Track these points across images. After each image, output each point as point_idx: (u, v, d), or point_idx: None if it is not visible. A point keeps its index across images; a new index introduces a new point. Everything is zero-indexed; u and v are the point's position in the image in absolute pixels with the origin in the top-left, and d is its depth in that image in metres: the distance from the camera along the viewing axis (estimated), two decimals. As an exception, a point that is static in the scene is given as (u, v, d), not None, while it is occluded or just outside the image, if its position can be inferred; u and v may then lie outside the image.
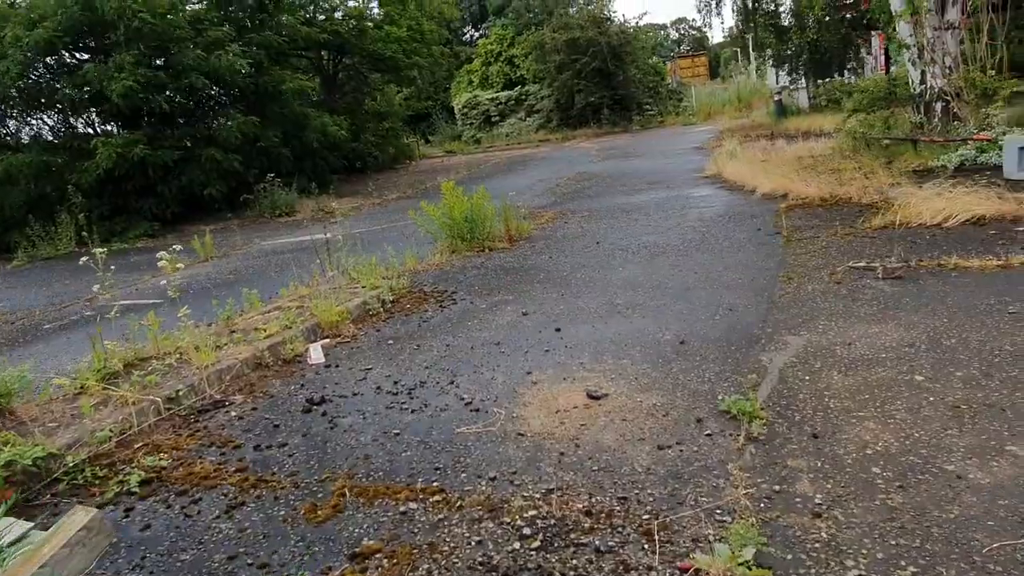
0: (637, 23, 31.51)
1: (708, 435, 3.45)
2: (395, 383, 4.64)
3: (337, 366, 5.13)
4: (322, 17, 21.73)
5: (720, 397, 3.80)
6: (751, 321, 5.02)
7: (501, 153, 26.51)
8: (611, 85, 29.45)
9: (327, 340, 5.64)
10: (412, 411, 4.17)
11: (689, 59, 44.85)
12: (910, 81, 12.12)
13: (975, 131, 10.13)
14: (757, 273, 6.31)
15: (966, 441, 3.11)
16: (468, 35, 41.07)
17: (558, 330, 5.36)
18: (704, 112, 29.38)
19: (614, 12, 44.37)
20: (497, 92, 33.29)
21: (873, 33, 21.54)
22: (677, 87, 34.24)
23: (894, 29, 12.14)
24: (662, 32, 58.43)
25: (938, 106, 11.16)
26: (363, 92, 24.80)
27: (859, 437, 3.24)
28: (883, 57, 22.39)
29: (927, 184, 8.26)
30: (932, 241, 6.57)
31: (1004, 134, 9.47)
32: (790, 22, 22.00)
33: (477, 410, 4.06)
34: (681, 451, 3.32)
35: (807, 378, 3.95)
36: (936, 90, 11.10)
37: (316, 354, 5.26)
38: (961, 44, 10.68)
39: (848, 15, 20.45)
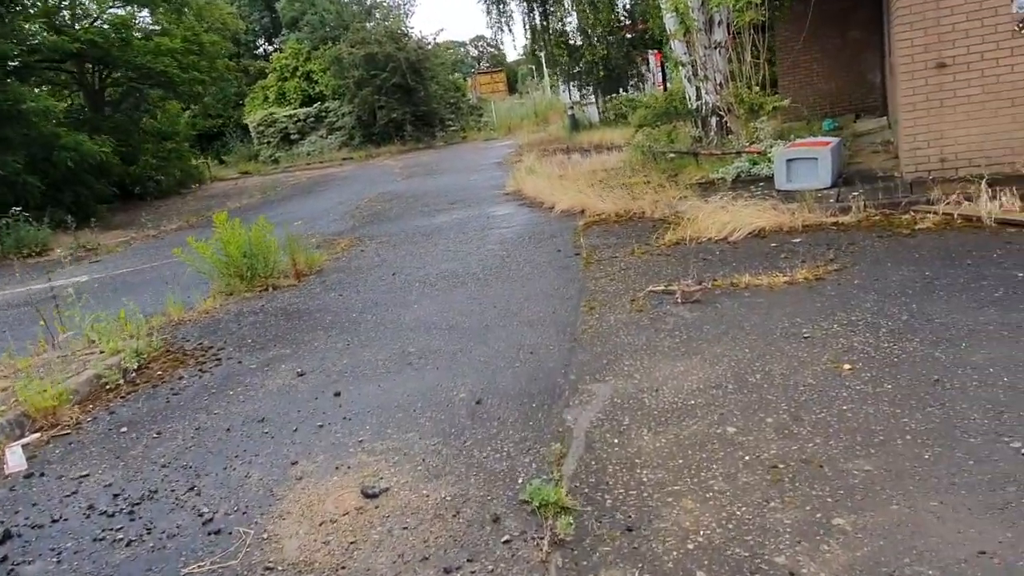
0: (435, 39, 31.08)
1: (506, 542, 2.73)
2: (116, 496, 3.50)
3: (42, 474, 3.86)
4: (77, 26, 18.90)
5: (521, 480, 3.12)
6: (553, 367, 4.44)
7: (301, 173, 24.81)
8: (413, 101, 28.73)
9: (36, 435, 4.31)
10: (129, 542, 3.07)
11: (488, 75, 45.38)
12: (687, 97, 12.51)
13: (747, 144, 10.54)
14: (559, 303, 5.81)
15: (791, 517, 2.65)
16: (261, 49, 38.46)
17: (338, 394, 4.45)
18: (504, 127, 29.53)
19: (411, 28, 43.68)
20: (295, 109, 31.31)
21: (650, 52, 22.68)
22: (478, 102, 34.26)
23: (670, 48, 12.48)
24: (462, 49, 58.78)
25: (713, 120, 11.56)
26: (140, 110, 22.03)
27: (678, 524, 2.69)
28: (660, 74, 23.66)
29: (712, 197, 8.31)
30: (723, 257, 6.45)
31: (771, 147, 9.87)
32: (578, 40, 22.56)
33: (218, 531, 3.06)
34: (472, 573, 2.57)
35: (616, 441, 3.38)
36: (710, 105, 11.49)
37: (13, 459, 3.94)
38: (730, 63, 11.10)
39: (630, 35, 21.29)
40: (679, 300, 5.38)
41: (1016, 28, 7.10)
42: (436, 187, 15.24)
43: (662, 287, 5.74)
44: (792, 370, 3.88)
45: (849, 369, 3.77)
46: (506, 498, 3.03)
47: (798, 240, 6.64)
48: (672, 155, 11.57)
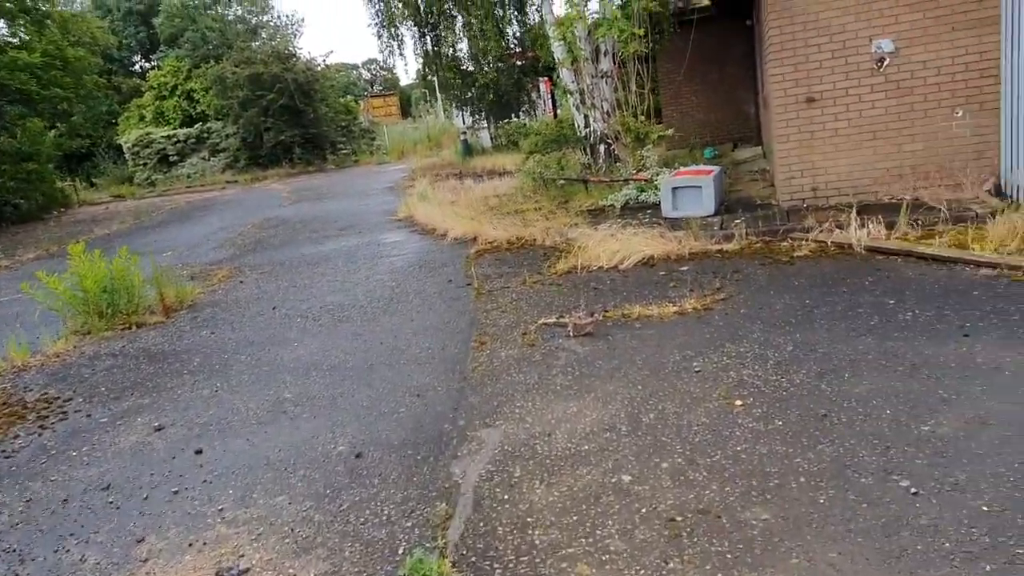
0: (325, 61, 30.30)
1: (382, 631, 2.40)
2: (-90, 597, 2.90)
3: None
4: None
5: (402, 551, 2.79)
6: (442, 411, 4.14)
7: (181, 197, 23.36)
8: (302, 123, 27.80)
9: None
10: (-82, 659, 2.52)
11: (381, 98, 44.78)
12: (576, 125, 12.60)
13: (634, 172, 10.68)
14: (448, 338, 5.52)
15: (691, 579, 2.47)
16: (137, 66, 36.24)
17: (199, 452, 3.95)
18: (397, 151, 29.09)
19: (300, 49, 42.49)
20: (175, 129, 29.59)
21: (541, 79, 22.97)
22: (370, 126, 33.64)
23: (559, 76, 12.55)
24: (354, 72, 57.89)
25: (602, 148, 11.68)
26: (-4, 128, 20.12)
27: (573, 595, 2.44)
28: (551, 101, 24.00)
29: (602, 225, 8.29)
30: (613, 286, 6.37)
31: (658, 175, 10.04)
32: (470, 66, 22.54)
33: (36, 637, 2.56)
34: (342, 673, 2.23)
35: (506, 497, 3.11)
36: (599, 133, 11.60)
37: None
38: (616, 92, 11.26)
39: (520, 62, 21.46)
40: (571, 333, 5.21)
41: (875, 67, 7.50)
42: (325, 212, 14.64)
43: (554, 319, 5.56)
44: (685, 408, 3.75)
45: (741, 405, 3.68)
46: (384, 574, 2.68)
47: (686, 268, 6.66)
48: (562, 182, 11.58)
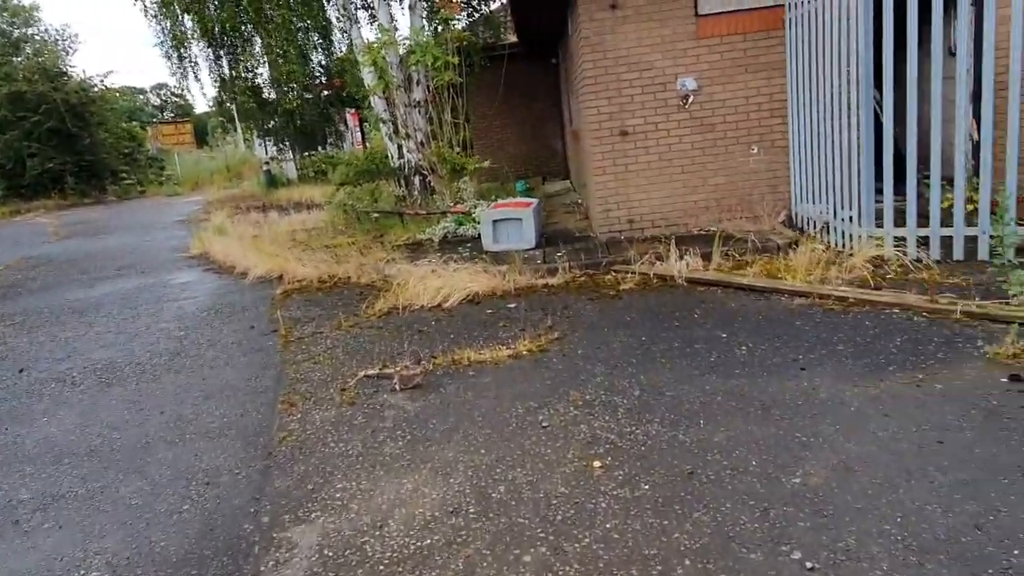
0: (103, 81, 26.91)
1: None
2: None
3: None
4: None
5: None
6: (240, 503, 3.22)
7: (-86, 232, 19.29)
8: (76, 150, 24.37)
9: None
10: None
11: (173, 125, 40.95)
12: (389, 155, 11.94)
13: (452, 204, 10.21)
14: (249, 399, 4.55)
15: None
16: None
17: None
18: (191, 181, 26.49)
19: (73, 67, 37.67)
20: (-92, 152, 24.63)
21: (348, 110, 22.01)
22: (159, 154, 30.44)
23: (370, 105, 11.82)
24: (141, 96, 52.68)
25: (417, 179, 11.10)
26: None
27: None
28: (359, 133, 23.11)
29: (421, 260, 7.66)
30: (439, 328, 5.74)
31: (475, 207, 9.64)
32: (272, 93, 21.03)
33: None
34: None
35: (329, 629, 2.33)
36: (413, 164, 11.02)
37: None
38: (431, 122, 10.77)
39: (326, 91, 20.38)
40: (397, 387, 4.49)
41: (681, 103, 7.65)
42: (101, 249, 12.60)
43: (377, 370, 4.80)
44: (539, 475, 3.19)
45: (600, 467, 3.19)
46: None
47: (513, 305, 6.22)
48: (377, 215, 10.82)
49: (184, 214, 17.22)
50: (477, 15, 14.74)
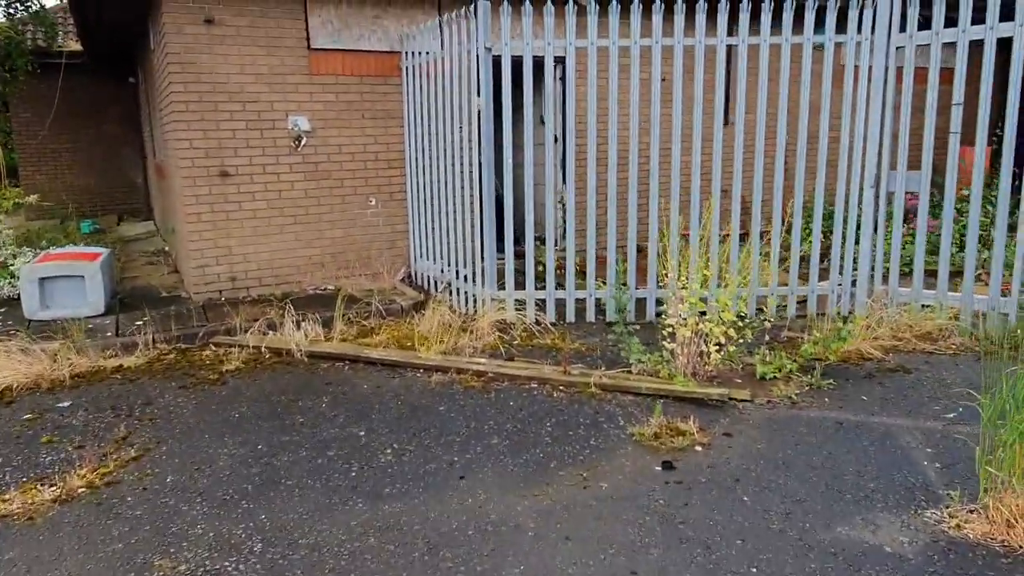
0: None
1: None
2: None
3: None
4: None
5: None
6: None
7: None
8: None
9: None
10: None
11: None
12: None
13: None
14: None
15: None
16: None
17: None
18: None
19: None
20: None
21: None
22: None
23: None
24: None
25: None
26: None
27: None
28: None
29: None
30: (-69, 457, 3.66)
31: (15, 257, 7.12)
32: None
33: None
34: None
35: None
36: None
37: None
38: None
39: None
40: None
41: (293, 144, 6.63)
42: None
43: None
44: None
45: None
46: None
47: (68, 404, 4.40)
48: None
49: None
50: (22, 8, 11.49)
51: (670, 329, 4.48)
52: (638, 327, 5.54)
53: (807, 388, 4.39)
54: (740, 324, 4.59)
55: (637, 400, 4.25)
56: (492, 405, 4.26)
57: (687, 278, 4.68)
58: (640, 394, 4.32)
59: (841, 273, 5.82)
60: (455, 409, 4.21)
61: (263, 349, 5.37)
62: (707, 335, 4.43)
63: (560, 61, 6.80)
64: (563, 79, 6.88)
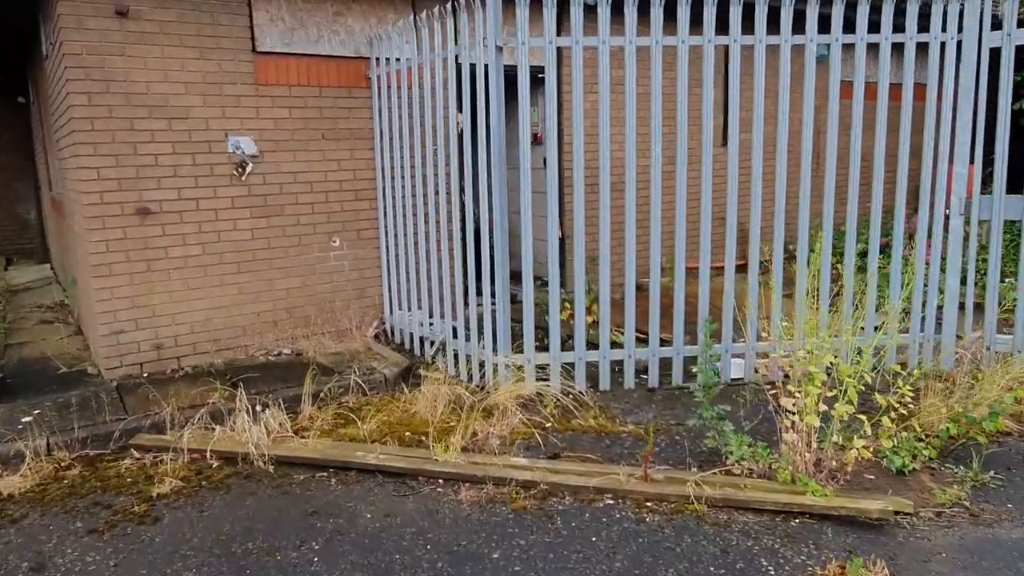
0: None
1: None
2: None
3: None
4: None
5: None
6: None
7: None
8: None
9: None
10: None
11: None
12: None
13: None
14: None
15: None
16: None
17: None
18: None
19: None
20: None
21: None
22: None
23: None
24: None
25: None
26: None
27: None
28: None
29: None
30: None
31: None
32: None
33: None
34: None
35: None
36: None
37: None
38: None
39: None
40: None
41: (235, 173, 5.13)
42: None
43: None
44: None
45: None
46: None
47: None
48: None
49: None
50: None
51: (792, 419, 3.26)
52: (687, 389, 4.34)
53: (971, 486, 3.26)
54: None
55: (762, 521, 3.01)
56: (565, 544, 2.91)
57: (796, 336, 3.50)
58: (764, 510, 3.08)
59: (924, 318, 4.80)
60: (517, 558, 2.83)
61: (208, 454, 3.84)
62: (828, 415, 3.25)
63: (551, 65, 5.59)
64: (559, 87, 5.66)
